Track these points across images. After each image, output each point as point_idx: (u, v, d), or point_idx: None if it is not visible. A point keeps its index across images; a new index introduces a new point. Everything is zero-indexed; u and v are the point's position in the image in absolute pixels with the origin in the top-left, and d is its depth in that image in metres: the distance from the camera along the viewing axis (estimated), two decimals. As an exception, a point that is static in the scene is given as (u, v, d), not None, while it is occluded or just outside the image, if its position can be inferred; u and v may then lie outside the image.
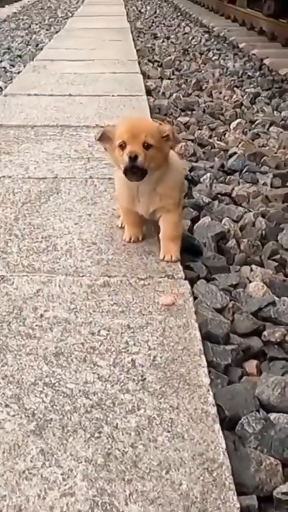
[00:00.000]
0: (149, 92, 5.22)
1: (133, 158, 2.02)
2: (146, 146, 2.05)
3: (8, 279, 2.10)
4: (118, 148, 2.09)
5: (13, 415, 1.50)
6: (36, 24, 11.65)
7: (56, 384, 1.61)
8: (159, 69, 6.70)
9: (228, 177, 3.54)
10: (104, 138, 2.15)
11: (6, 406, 1.53)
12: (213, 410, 1.51)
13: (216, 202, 3.07)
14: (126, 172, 2.07)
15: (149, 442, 1.42)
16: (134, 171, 2.05)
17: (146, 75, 6.02)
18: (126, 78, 5.38)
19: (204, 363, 1.67)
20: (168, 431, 1.45)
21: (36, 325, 1.85)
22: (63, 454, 1.39)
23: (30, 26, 11.33)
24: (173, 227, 2.24)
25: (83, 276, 2.12)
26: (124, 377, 1.63)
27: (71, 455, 1.38)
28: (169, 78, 6.21)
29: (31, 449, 1.40)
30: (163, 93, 5.49)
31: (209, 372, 1.68)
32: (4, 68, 6.75)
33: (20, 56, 7.49)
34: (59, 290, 2.04)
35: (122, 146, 2.07)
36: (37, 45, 8.35)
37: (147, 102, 4.54)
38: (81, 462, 1.37)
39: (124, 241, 2.35)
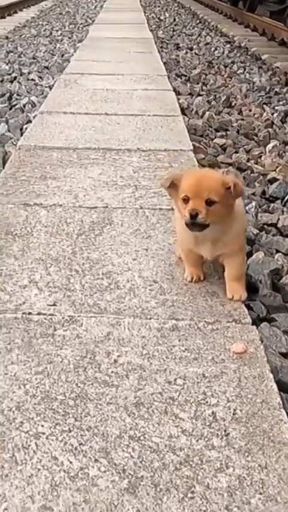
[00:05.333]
0: (182, 111, 5.23)
1: (194, 216, 2.06)
2: (209, 203, 2.07)
3: (77, 320, 2.13)
4: (181, 201, 2.12)
5: (104, 471, 1.53)
6: (57, 31, 11.71)
7: (142, 438, 1.63)
8: (188, 84, 6.73)
9: (271, 205, 3.56)
10: (171, 185, 2.17)
11: (96, 460, 1.56)
12: (302, 471, 1.53)
13: (264, 234, 3.10)
14: (187, 225, 2.11)
15: (242, 504, 1.44)
16: (195, 225, 2.09)
17: (176, 91, 6.04)
18: (159, 95, 5.40)
19: (286, 419, 1.69)
20: (261, 493, 1.47)
21: (112, 372, 1.88)
22: (160, 516, 1.41)
23: (51, 33, 11.39)
24: (238, 268, 2.26)
25: (150, 318, 2.15)
26: (207, 432, 1.65)
27: (167, 517, 1.41)
28: (199, 95, 6.24)
29: (128, 509, 1.42)
30: (196, 112, 5.51)
31: (287, 425, 1.70)
32: (33, 80, 6.78)
33: (47, 68, 7.53)
34: (129, 333, 2.06)
35: (185, 200, 2.11)
36: (62, 56, 8.39)
37: (184, 123, 4.55)
38: (179, 525, 1.39)
39: (185, 280, 2.37)
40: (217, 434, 1.64)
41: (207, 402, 1.76)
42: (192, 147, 3.97)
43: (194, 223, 2.09)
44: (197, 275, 2.36)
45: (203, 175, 2.24)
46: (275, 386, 1.82)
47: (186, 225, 2.13)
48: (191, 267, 2.38)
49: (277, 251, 2.95)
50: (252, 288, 2.57)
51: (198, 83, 6.90)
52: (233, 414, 1.71)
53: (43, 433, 1.64)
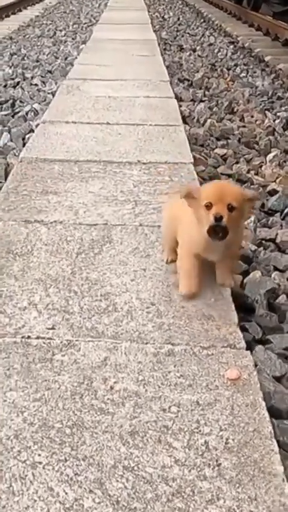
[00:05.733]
0: (183, 119, 5.26)
1: (218, 218, 2.17)
2: (230, 208, 2.20)
3: (75, 345, 2.17)
4: (204, 208, 2.23)
5: (99, 502, 1.57)
6: (61, 31, 11.72)
7: (135, 468, 1.68)
8: (190, 90, 6.75)
9: (270, 219, 3.60)
10: (188, 196, 2.30)
11: (91, 491, 1.61)
12: (291, 503, 1.57)
13: (262, 250, 3.13)
14: (209, 231, 2.21)
15: (232, 537, 1.48)
16: (217, 230, 2.20)
17: (178, 98, 6.07)
18: (162, 103, 5.43)
19: (276, 449, 1.74)
20: (250, 526, 1.51)
21: (108, 399, 1.92)
22: None
23: (55, 33, 11.40)
24: (229, 261, 2.48)
25: (147, 343, 2.19)
26: (200, 461, 1.70)
27: None
28: (201, 101, 6.26)
29: None
30: (197, 120, 5.54)
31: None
32: (36, 85, 6.81)
33: (50, 72, 7.56)
34: (126, 359, 2.11)
35: (208, 206, 2.22)
36: (66, 58, 8.42)
37: (185, 133, 4.58)
38: None
39: (180, 293, 2.41)
40: (209, 464, 1.69)
41: (200, 431, 1.80)
42: (192, 160, 4.00)
43: (217, 227, 2.20)
44: (191, 290, 2.40)
45: (224, 184, 2.43)
46: (267, 414, 1.86)
47: (208, 232, 2.23)
48: (188, 278, 2.42)
49: (275, 268, 2.99)
50: (248, 309, 2.61)
51: (201, 88, 6.92)
52: (225, 443, 1.76)
53: (40, 463, 1.69)
